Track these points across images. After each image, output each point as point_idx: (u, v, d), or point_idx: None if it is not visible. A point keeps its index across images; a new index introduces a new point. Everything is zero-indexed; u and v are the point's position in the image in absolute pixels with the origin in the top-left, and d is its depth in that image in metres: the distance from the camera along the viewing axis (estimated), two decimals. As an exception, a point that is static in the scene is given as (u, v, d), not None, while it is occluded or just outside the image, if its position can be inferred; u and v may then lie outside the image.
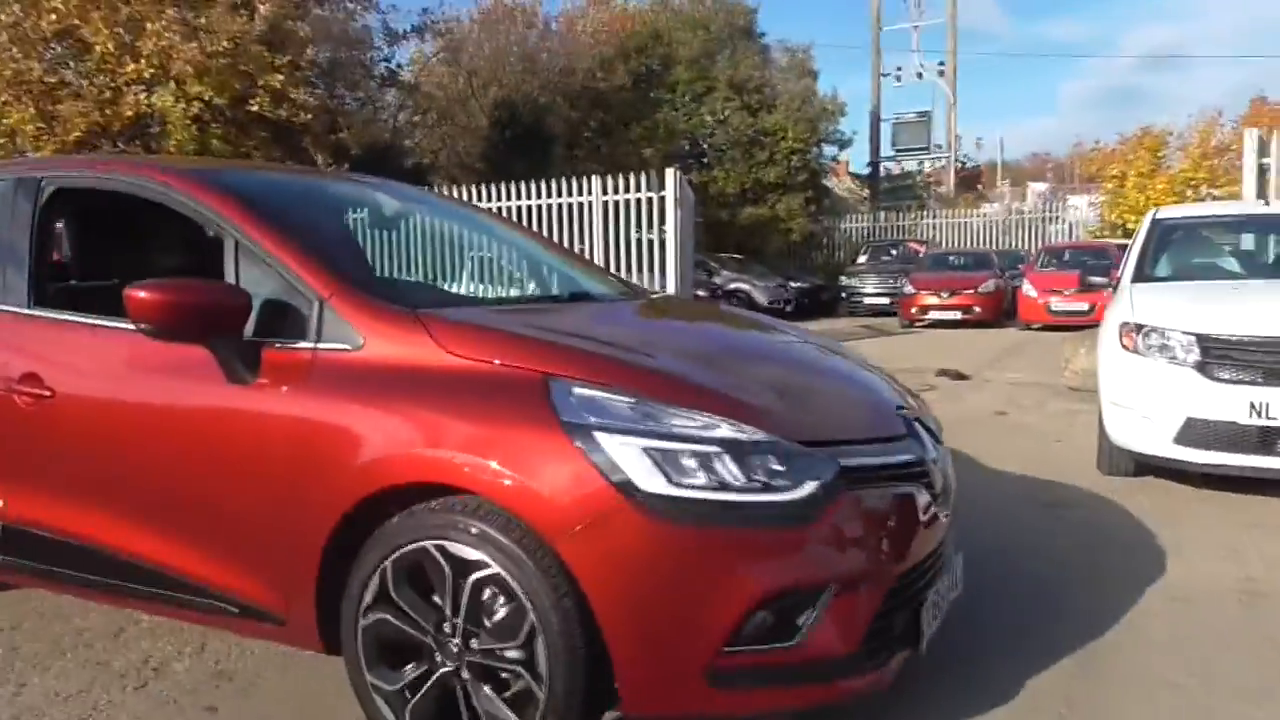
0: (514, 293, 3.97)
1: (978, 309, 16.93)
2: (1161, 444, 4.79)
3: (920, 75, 30.38)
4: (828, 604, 2.15)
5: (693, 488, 2.07)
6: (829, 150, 27.18)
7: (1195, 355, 4.76)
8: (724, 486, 2.08)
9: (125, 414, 2.64)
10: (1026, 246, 22.85)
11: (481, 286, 4.19)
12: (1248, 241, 6.33)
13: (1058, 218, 24.51)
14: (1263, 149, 9.64)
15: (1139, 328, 5.04)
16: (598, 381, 2.19)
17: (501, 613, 2.17)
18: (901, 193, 30.51)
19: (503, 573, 2.13)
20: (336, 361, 2.37)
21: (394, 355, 2.33)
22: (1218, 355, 4.70)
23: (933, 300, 17.17)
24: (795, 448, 2.18)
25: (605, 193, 11.38)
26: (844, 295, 20.85)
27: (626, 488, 2.05)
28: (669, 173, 11.36)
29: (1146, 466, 5.05)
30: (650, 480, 2.06)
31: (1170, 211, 6.61)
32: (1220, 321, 4.80)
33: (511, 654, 2.14)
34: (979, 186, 28.31)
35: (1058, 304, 15.23)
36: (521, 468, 2.11)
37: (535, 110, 21.36)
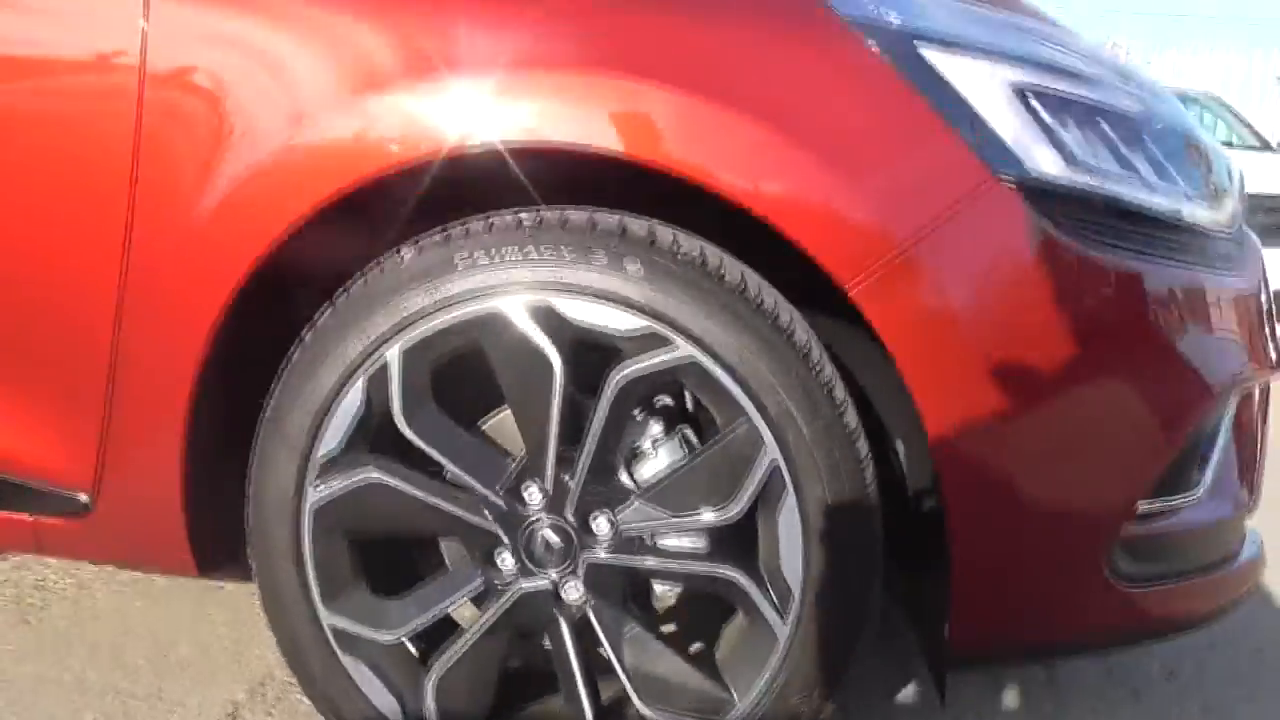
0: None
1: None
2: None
3: None
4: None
5: (1111, 177, 0.99)
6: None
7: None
8: (1148, 186, 1.02)
9: None
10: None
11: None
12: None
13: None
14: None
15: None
16: None
17: (684, 450, 1.02)
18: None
19: (701, 358, 0.93)
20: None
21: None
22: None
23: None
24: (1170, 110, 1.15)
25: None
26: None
27: (1000, 161, 0.93)
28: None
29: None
30: (1039, 154, 0.95)
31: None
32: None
33: (703, 529, 0.98)
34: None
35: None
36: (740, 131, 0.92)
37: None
